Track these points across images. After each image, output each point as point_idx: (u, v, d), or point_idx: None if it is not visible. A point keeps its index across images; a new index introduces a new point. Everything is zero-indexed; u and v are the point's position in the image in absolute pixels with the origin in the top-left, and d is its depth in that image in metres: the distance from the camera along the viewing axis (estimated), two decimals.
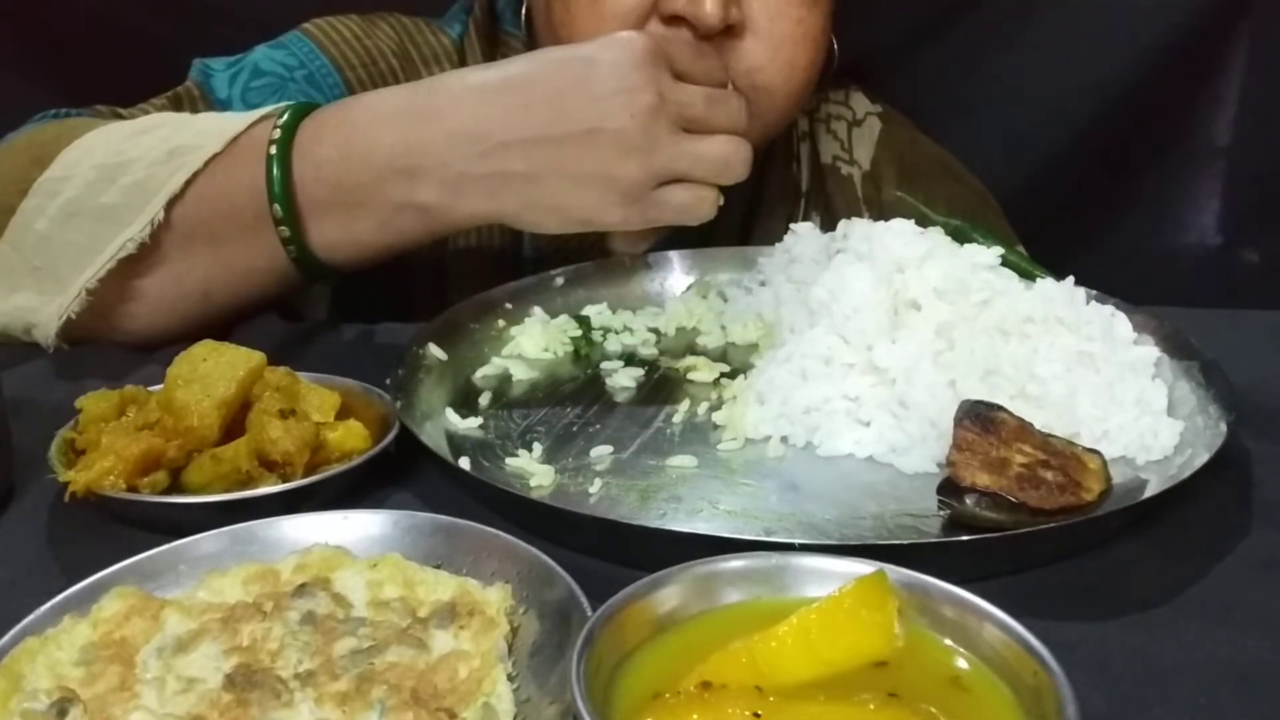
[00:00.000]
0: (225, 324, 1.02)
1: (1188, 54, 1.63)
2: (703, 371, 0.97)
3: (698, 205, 0.93)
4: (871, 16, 1.48)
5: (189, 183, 0.95)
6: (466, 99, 0.93)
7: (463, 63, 1.24)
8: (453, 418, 0.89)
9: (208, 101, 1.16)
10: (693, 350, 1.03)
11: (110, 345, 1.00)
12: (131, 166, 0.97)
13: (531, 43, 1.24)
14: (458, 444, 0.86)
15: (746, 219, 1.32)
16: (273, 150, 0.95)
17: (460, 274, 1.22)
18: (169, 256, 0.97)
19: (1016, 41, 1.64)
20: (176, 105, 1.15)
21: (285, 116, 0.97)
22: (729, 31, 1.06)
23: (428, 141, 0.93)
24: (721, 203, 0.95)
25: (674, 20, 1.06)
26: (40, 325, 0.98)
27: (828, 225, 1.29)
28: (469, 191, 0.92)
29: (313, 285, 1.05)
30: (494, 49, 1.27)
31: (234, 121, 0.98)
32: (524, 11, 1.24)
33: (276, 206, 0.94)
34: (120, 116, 1.12)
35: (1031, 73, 1.64)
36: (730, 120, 0.94)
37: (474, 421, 0.90)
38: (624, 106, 0.89)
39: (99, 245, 0.96)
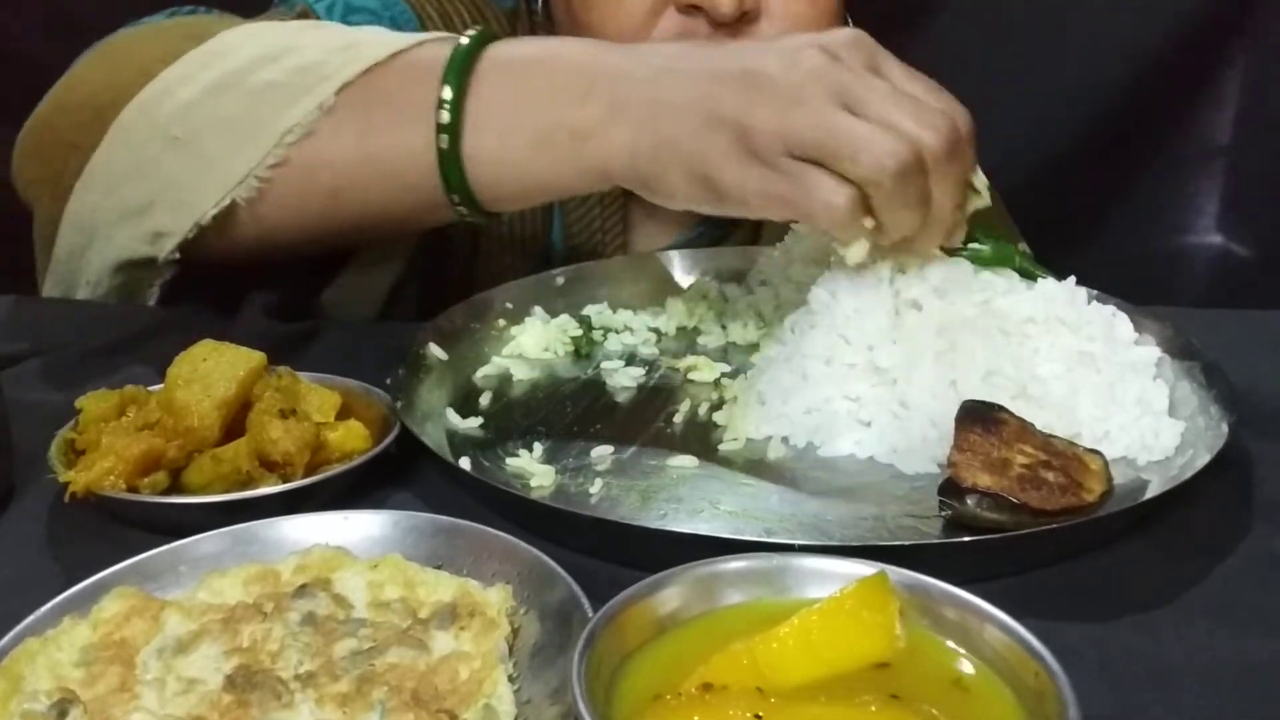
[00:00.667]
0: (343, 243, 1.00)
1: (1189, 53, 1.63)
2: (703, 371, 0.97)
3: (830, 194, 0.80)
4: (868, 13, 1.50)
5: (364, 73, 0.92)
6: (668, 45, 0.93)
7: (514, 31, 1.24)
8: (453, 418, 0.89)
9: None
10: (693, 350, 1.02)
11: (110, 342, 1.00)
12: (303, 51, 0.93)
13: (550, 25, 1.23)
14: (458, 444, 0.86)
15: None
16: (471, 33, 0.91)
17: (488, 261, 1.22)
18: (313, 142, 0.92)
19: (1019, 39, 1.64)
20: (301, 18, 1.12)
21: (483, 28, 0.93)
22: (743, 17, 1.05)
23: (610, 59, 0.90)
24: (869, 226, 0.81)
25: (690, 9, 1.06)
26: (188, 206, 0.93)
27: None
28: (622, 116, 0.86)
29: (436, 213, 0.97)
30: (533, 25, 1.27)
31: (418, 35, 0.96)
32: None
33: (448, 88, 0.89)
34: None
35: (1033, 72, 1.64)
36: (912, 125, 0.79)
37: (474, 421, 0.89)
38: (790, 60, 0.82)
39: (254, 121, 0.92)
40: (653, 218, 1.26)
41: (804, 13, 1.09)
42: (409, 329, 1.00)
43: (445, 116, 0.89)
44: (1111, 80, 1.65)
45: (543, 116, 0.89)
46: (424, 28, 1.16)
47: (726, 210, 0.85)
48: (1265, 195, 1.69)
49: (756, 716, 0.52)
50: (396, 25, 1.15)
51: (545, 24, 1.26)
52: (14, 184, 1.04)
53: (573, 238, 1.23)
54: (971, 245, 0.95)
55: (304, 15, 1.12)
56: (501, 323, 1.04)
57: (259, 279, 1.04)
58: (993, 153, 1.59)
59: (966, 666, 0.57)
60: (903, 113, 0.80)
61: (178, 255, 0.97)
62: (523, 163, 0.91)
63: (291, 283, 1.05)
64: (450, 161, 0.91)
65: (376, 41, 0.94)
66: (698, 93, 0.84)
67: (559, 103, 0.89)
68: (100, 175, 0.96)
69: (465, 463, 0.82)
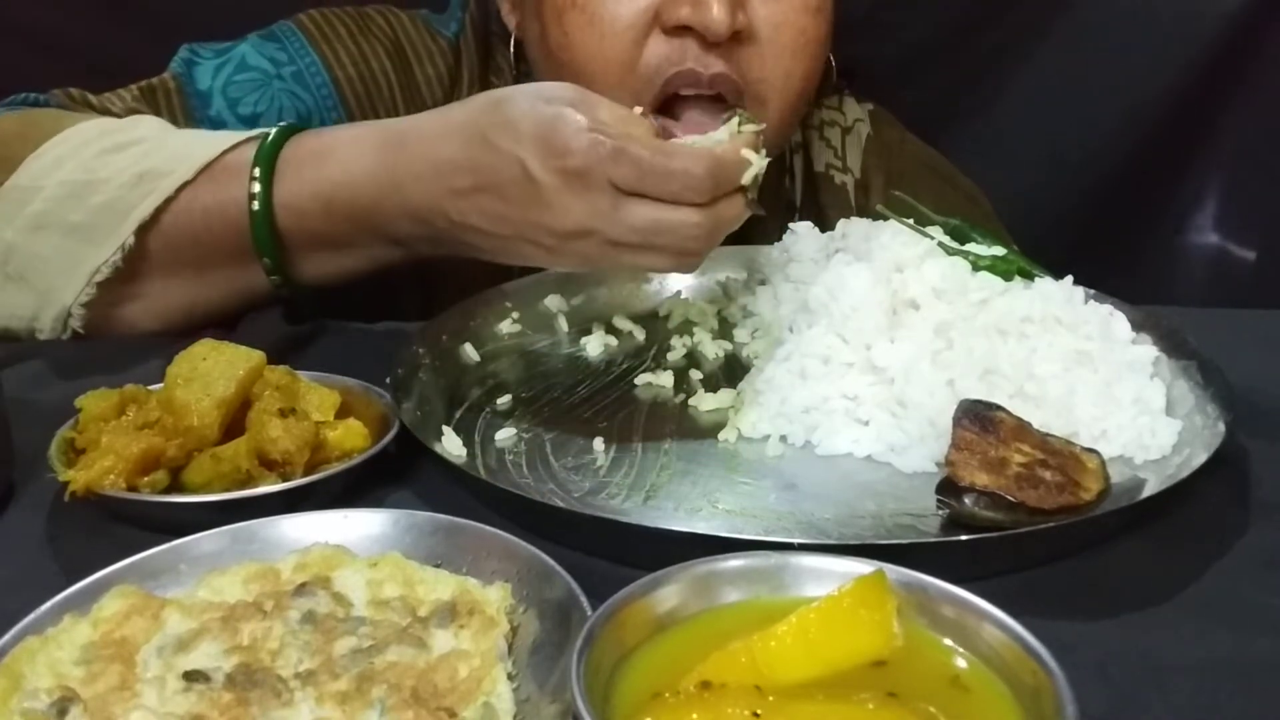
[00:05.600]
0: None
1: (1204, 67, 1.64)
2: (702, 369, 0.98)
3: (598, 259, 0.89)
4: (887, 30, 1.52)
5: (160, 209, 0.97)
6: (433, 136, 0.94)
7: (457, 64, 1.23)
8: (452, 417, 0.89)
9: (183, 95, 1.14)
10: (692, 349, 1.02)
11: (110, 342, 1.01)
12: (101, 186, 0.98)
13: (519, 74, 1.21)
14: (457, 442, 0.86)
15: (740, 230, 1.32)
16: (255, 206, 0.96)
17: (450, 273, 1.22)
18: (151, 278, 1.00)
19: (1032, 50, 1.65)
20: (150, 98, 1.14)
21: (259, 169, 0.97)
22: (734, 38, 1.06)
23: (399, 187, 0.93)
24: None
25: (678, 31, 1.06)
26: (42, 330, 1.01)
27: None
28: (437, 220, 0.92)
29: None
30: (488, 53, 1.25)
31: (205, 146, 0.99)
32: (513, 43, 1.21)
33: (267, 260, 0.98)
34: (90, 105, 1.12)
35: (1045, 80, 1.65)
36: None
37: (473, 420, 0.90)
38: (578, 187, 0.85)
39: (69, 261, 0.98)
40: None
41: (793, 42, 1.10)
42: (409, 329, 1.00)
43: (269, 264, 0.99)
44: (1126, 88, 1.66)
45: (359, 242, 0.98)
46: (334, 76, 1.18)
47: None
48: (1264, 195, 1.70)
49: (755, 714, 0.52)
50: (301, 79, 1.16)
51: (513, 75, 1.22)
52: None
53: None
54: (971, 246, 0.95)
55: (162, 87, 1.14)
56: (503, 322, 1.04)
57: None
58: (995, 155, 1.61)
59: (964, 664, 0.57)
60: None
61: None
62: (359, 269, 1.01)
63: None
64: (290, 287, 1.01)
65: (166, 168, 0.98)
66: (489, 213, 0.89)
67: (368, 234, 0.97)
68: None
69: (464, 461, 0.82)
